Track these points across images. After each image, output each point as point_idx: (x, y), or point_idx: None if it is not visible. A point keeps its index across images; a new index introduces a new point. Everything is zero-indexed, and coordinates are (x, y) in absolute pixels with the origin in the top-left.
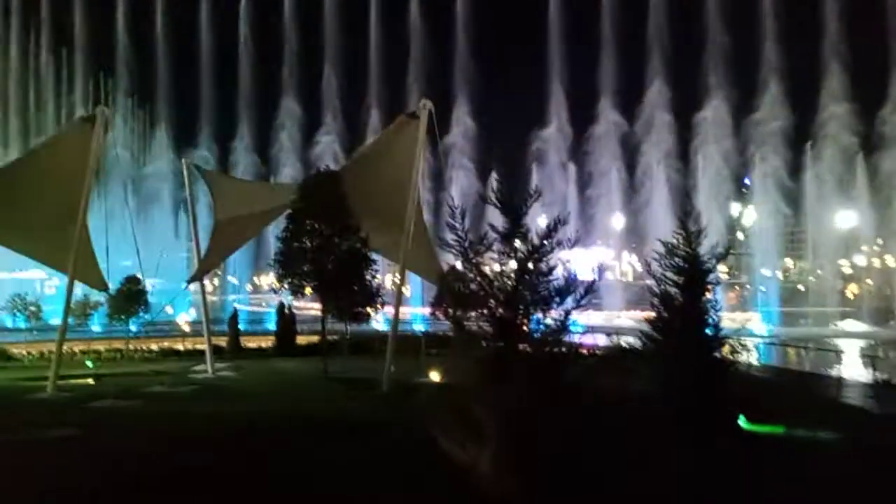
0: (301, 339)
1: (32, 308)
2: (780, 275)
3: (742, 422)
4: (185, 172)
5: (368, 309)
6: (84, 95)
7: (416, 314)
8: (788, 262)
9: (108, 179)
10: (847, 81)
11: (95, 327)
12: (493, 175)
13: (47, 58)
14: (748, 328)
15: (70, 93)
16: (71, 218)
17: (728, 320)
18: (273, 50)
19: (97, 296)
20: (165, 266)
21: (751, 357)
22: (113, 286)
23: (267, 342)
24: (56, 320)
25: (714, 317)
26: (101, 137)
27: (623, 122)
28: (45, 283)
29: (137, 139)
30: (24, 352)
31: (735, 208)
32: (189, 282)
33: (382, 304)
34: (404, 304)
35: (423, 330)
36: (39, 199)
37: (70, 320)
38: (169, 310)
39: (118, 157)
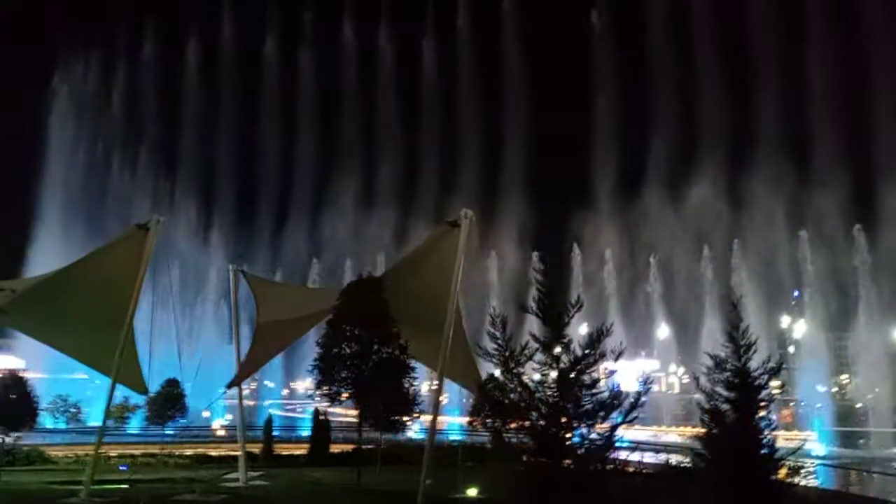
0: (335, 448)
1: (73, 409)
2: (835, 391)
3: None
4: (230, 277)
5: (405, 417)
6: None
7: (454, 423)
8: (843, 377)
9: (154, 283)
10: None
11: (133, 430)
12: (534, 282)
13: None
14: (806, 448)
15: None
16: (117, 322)
17: (783, 439)
18: (326, 146)
19: (136, 398)
20: (205, 367)
21: (810, 480)
22: (152, 388)
23: (300, 449)
24: (95, 423)
25: (769, 436)
26: (153, 245)
27: (671, 218)
28: (89, 384)
29: (187, 238)
30: (61, 454)
31: (785, 321)
32: (229, 386)
33: (419, 414)
34: (441, 412)
35: (460, 440)
36: (88, 302)
37: (108, 422)
38: (206, 414)
39: (168, 267)
